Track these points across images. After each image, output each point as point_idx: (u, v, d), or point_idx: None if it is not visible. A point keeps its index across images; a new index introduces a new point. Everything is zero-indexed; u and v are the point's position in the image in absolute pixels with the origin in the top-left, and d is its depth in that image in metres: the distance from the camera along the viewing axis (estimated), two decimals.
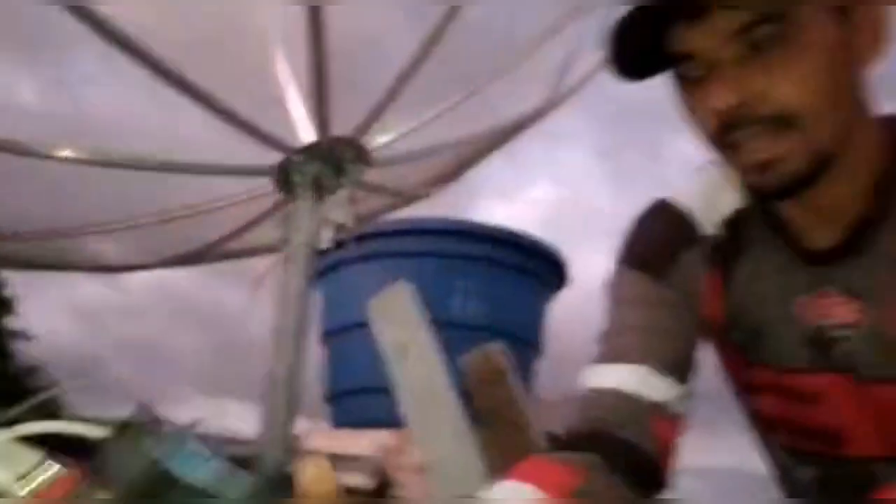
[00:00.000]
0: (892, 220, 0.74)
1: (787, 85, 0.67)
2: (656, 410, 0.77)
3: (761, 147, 0.69)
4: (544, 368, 2.90)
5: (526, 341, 2.64)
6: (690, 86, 0.72)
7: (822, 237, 0.78)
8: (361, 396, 2.32)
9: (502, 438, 1.55)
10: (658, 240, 0.91)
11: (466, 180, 2.05)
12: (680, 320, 0.85)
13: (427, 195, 1.78)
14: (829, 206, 0.76)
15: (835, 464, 0.86)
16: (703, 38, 0.69)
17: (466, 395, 1.71)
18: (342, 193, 1.44)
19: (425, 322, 1.25)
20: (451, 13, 1.48)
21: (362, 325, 1.99)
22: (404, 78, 1.49)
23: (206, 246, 1.76)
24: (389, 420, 2.00)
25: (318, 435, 2.21)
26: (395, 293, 1.29)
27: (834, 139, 0.70)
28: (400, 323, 1.26)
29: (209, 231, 1.74)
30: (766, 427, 0.94)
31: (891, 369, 0.76)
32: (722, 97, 0.68)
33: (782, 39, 0.67)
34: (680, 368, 0.81)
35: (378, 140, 1.51)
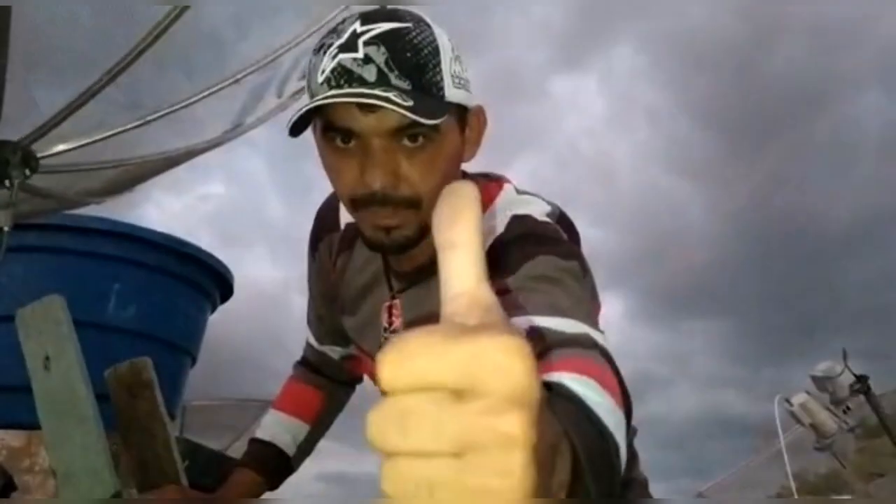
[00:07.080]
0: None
1: (421, 177, 0.88)
2: (342, 360, 1.35)
3: (389, 216, 0.89)
4: (196, 374, 2.95)
5: (181, 348, 2.66)
6: (338, 151, 0.88)
7: (402, 266, 1.04)
8: None
9: (139, 448, 1.62)
10: (313, 226, 1.20)
11: None
12: (326, 301, 1.21)
13: (96, 203, 1.79)
14: (413, 256, 1.00)
15: None
16: (368, 125, 0.84)
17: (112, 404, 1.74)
18: (2, 195, 1.42)
19: (73, 335, 1.29)
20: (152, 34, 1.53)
21: (2, 320, 1.85)
22: (89, 92, 1.52)
23: None
24: (20, 421, 1.89)
25: None
26: (46, 304, 1.31)
27: None
28: (46, 335, 1.29)
29: None
30: None
31: None
32: (377, 179, 0.85)
33: (427, 141, 0.87)
34: (340, 338, 1.25)
35: (51, 148, 1.51)
